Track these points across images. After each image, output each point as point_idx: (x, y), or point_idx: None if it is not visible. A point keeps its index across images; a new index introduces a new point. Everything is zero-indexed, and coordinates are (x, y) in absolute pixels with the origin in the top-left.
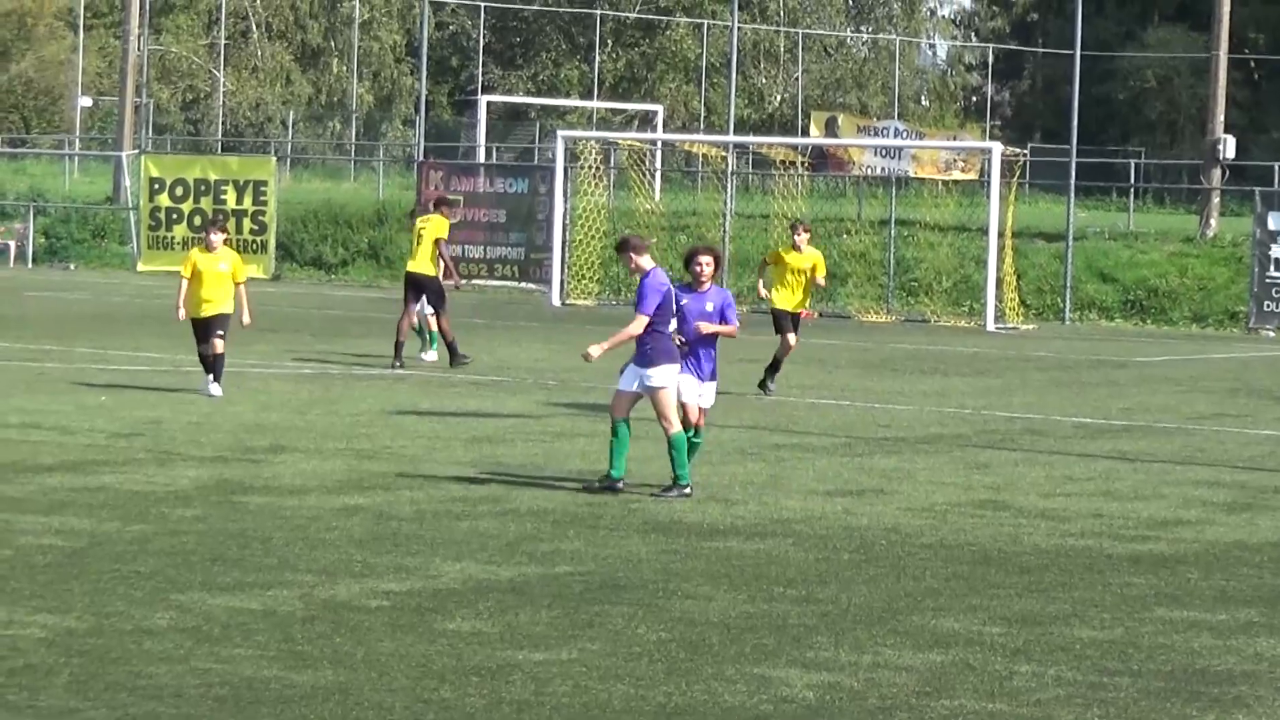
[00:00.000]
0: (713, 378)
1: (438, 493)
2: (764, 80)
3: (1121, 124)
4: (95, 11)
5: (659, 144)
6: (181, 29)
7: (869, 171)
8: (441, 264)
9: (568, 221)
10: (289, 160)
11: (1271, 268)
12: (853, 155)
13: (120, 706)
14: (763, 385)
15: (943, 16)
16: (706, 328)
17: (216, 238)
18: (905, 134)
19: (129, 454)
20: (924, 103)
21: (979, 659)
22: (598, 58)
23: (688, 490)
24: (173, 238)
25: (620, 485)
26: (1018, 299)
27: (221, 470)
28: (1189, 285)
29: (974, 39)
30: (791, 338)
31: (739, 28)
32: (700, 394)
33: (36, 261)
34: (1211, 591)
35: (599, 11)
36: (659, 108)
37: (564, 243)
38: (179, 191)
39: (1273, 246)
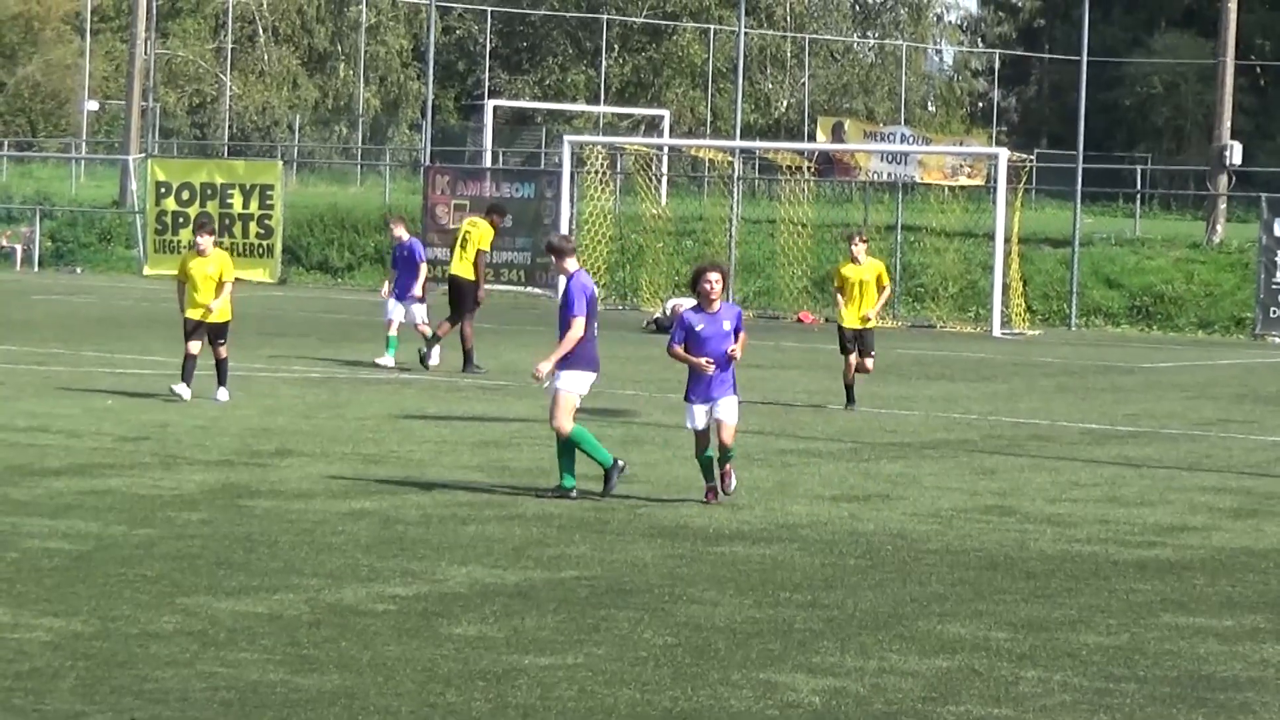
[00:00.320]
0: (734, 391)
1: (444, 497)
2: (770, 85)
3: (1128, 130)
4: (102, 15)
5: (665, 149)
6: (188, 33)
7: (875, 177)
8: (475, 271)
9: (574, 226)
10: (295, 164)
11: (1278, 274)
12: (859, 160)
13: (126, 710)
14: (847, 404)
15: (949, 22)
16: (737, 351)
17: (205, 241)
18: (912, 139)
19: (135, 458)
20: (930, 108)
21: (985, 664)
22: (604, 62)
23: (572, 494)
24: (179, 241)
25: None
26: (1024, 305)
27: (228, 474)
28: (1195, 291)
29: (980, 45)
30: (853, 359)
31: (745, 33)
32: (720, 413)
33: (43, 265)
34: (1218, 597)
35: (606, 16)
36: (665, 113)
37: None
38: (185, 195)
39: (1279, 252)
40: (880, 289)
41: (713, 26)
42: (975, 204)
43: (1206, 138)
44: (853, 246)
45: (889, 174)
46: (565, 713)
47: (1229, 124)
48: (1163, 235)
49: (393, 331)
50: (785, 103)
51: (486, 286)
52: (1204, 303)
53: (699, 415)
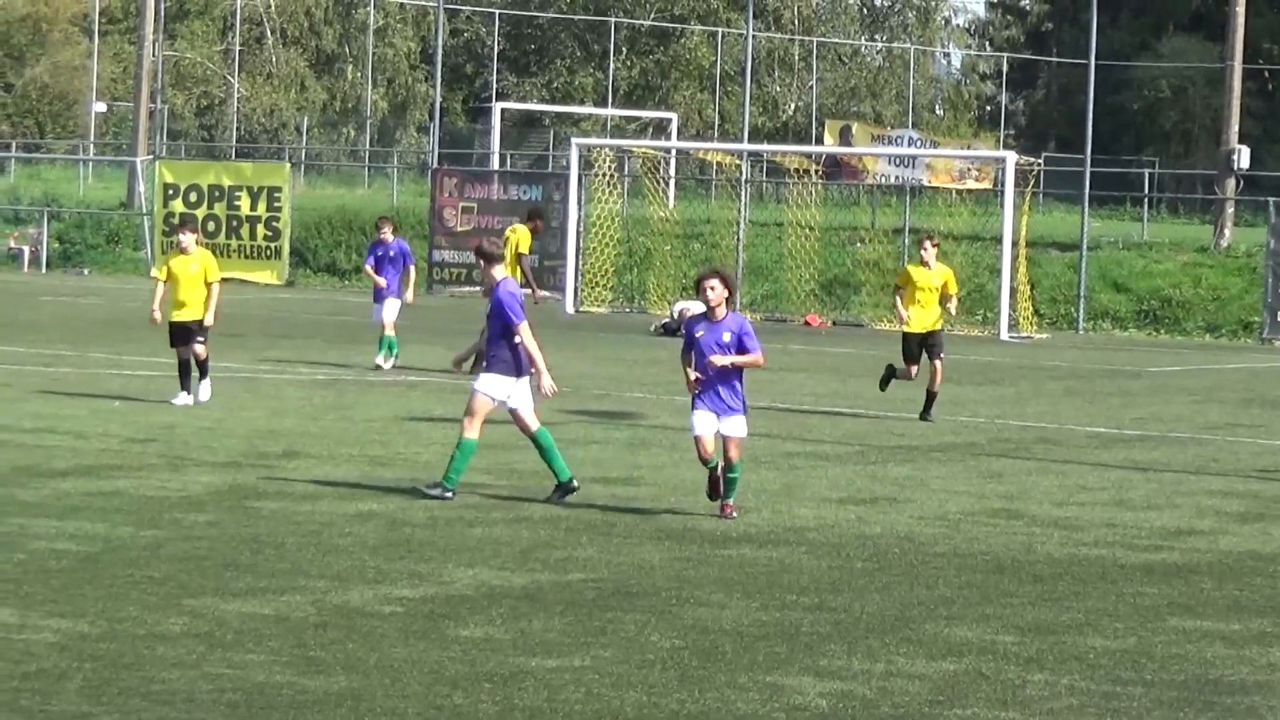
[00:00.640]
0: (742, 410)
1: (451, 499)
2: (778, 89)
3: (1136, 134)
4: (110, 17)
5: (673, 152)
6: (196, 35)
7: (883, 180)
8: (521, 276)
9: (581, 229)
10: (303, 166)
11: None
12: (867, 164)
13: (133, 712)
14: (923, 416)
15: (957, 25)
16: (720, 360)
17: (187, 239)
18: (919, 143)
19: (143, 459)
20: (938, 112)
21: (992, 668)
22: (612, 65)
23: (449, 495)
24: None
25: (577, 484)
26: (1031, 308)
27: (235, 476)
28: (1203, 295)
29: (988, 48)
30: (914, 370)
31: (753, 36)
32: (729, 425)
33: (51, 267)
34: (1225, 601)
35: (614, 19)
36: (673, 115)
37: (578, 250)
38: (193, 197)
39: None
40: (947, 296)
41: (721, 29)
42: (983, 207)
43: (1214, 142)
44: (923, 250)
45: (896, 177)
46: (572, 715)
47: (1237, 128)
48: (1170, 239)
49: (389, 331)
50: (793, 106)
51: (543, 294)
52: (1211, 307)
53: (699, 421)
